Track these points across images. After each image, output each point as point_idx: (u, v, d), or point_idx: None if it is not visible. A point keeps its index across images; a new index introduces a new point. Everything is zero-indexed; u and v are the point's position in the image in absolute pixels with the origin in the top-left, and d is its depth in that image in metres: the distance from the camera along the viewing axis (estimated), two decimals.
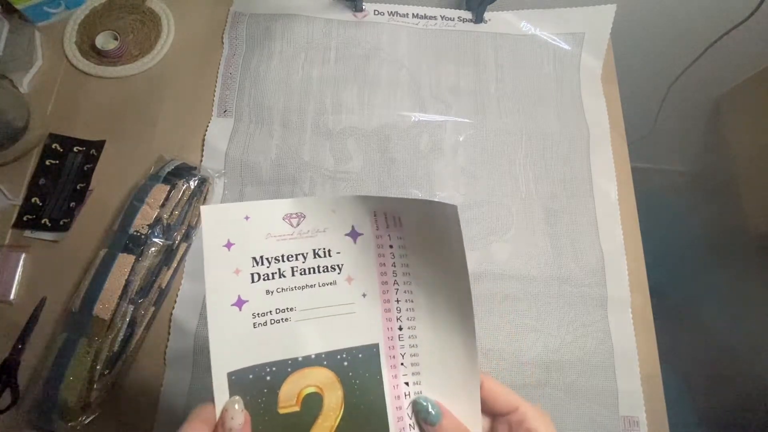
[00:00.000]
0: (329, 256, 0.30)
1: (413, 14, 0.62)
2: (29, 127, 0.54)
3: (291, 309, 0.29)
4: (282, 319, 0.28)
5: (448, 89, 0.59)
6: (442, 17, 0.62)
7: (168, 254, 0.49)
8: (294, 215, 0.29)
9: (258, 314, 0.28)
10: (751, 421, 0.81)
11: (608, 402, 0.48)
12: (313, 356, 0.28)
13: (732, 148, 0.89)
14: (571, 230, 0.54)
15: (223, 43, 0.61)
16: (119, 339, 0.45)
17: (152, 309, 0.48)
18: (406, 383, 0.29)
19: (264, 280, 0.28)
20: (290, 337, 0.28)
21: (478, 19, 0.62)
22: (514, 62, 0.61)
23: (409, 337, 0.30)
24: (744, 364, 0.86)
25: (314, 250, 0.29)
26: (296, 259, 0.29)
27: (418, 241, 0.31)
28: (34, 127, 0.54)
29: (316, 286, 0.29)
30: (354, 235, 0.30)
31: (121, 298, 0.45)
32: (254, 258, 0.28)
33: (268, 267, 0.28)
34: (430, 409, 0.29)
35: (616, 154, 0.58)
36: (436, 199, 0.54)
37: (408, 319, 0.30)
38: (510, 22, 0.62)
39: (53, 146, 0.54)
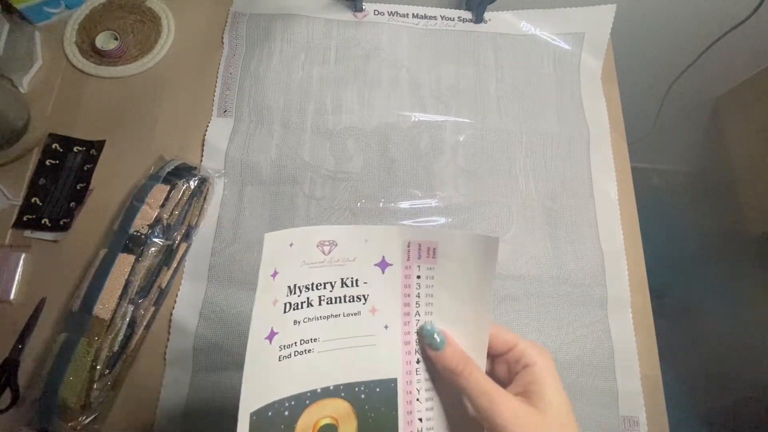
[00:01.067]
0: (356, 285, 0.29)
1: (413, 14, 0.62)
2: (29, 127, 0.54)
3: (315, 339, 0.28)
4: (305, 350, 0.28)
5: (448, 89, 0.59)
6: (442, 17, 0.62)
7: (168, 254, 0.49)
8: (327, 242, 0.29)
9: (284, 346, 0.27)
10: (751, 421, 0.82)
11: (608, 402, 0.48)
12: (331, 387, 0.28)
13: (732, 148, 0.89)
14: (571, 230, 0.54)
15: (223, 43, 0.61)
16: (119, 339, 0.45)
17: (152, 309, 0.48)
18: (420, 419, 0.29)
19: (294, 309, 0.28)
20: (311, 368, 0.28)
21: (478, 19, 0.62)
22: (514, 62, 0.61)
23: (426, 370, 0.30)
24: (744, 364, 0.86)
25: (342, 279, 0.29)
26: (324, 287, 0.29)
27: (448, 272, 0.30)
28: (34, 127, 0.54)
29: (341, 316, 0.29)
30: (383, 265, 0.30)
31: (121, 298, 0.45)
32: (289, 287, 0.28)
33: (299, 296, 0.28)
34: (435, 336, 0.29)
35: (616, 154, 0.58)
36: (434, 201, 0.54)
37: (425, 349, 0.30)
38: (510, 22, 0.62)
39: (53, 146, 0.54)
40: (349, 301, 0.29)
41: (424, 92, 0.59)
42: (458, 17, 0.62)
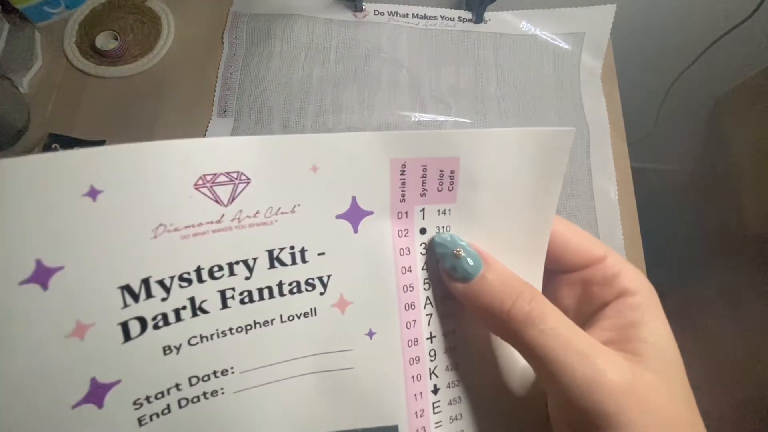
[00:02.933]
0: (303, 261, 0.16)
1: (413, 14, 0.62)
2: (29, 127, 0.54)
3: (224, 372, 0.15)
4: (204, 394, 0.15)
5: (448, 89, 0.59)
6: (442, 17, 0.62)
7: None
8: (223, 178, 0.14)
9: (147, 399, 0.14)
10: (752, 421, 0.81)
11: None
12: None
13: (732, 148, 0.89)
14: None
15: (223, 43, 0.61)
16: None
17: None
18: None
19: (156, 327, 0.14)
20: (222, 424, 0.15)
21: (478, 19, 0.62)
22: (514, 62, 0.61)
23: (450, 403, 0.17)
24: (744, 365, 0.86)
25: (271, 252, 0.15)
26: (231, 272, 0.15)
27: (480, 214, 0.17)
28: (34, 127, 0.54)
29: (275, 322, 0.16)
30: (355, 215, 0.16)
31: None
32: (127, 287, 0.14)
33: (164, 300, 0.14)
34: (461, 253, 0.16)
35: (616, 154, 0.58)
36: None
37: (448, 369, 0.18)
38: (510, 22, 0.62)
39: (53, 146, 0.54)
40: (292, 292, 0.16)
41: (424, 92, 0.59)
42: (458, 17, 0.62)
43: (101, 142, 0.55)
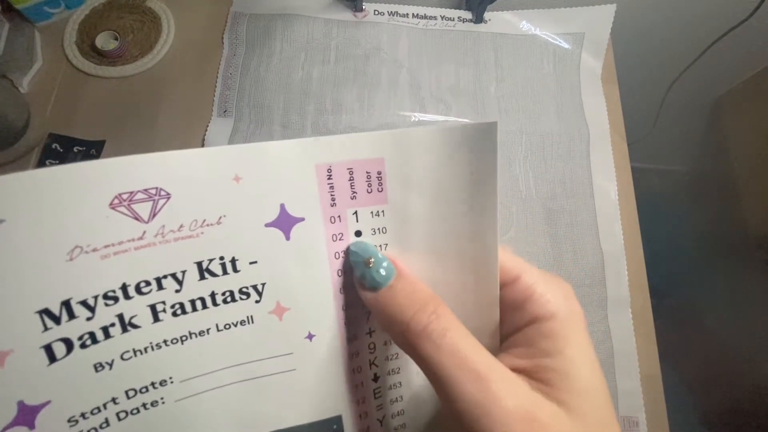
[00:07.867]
0: (235, 270, 0.16)
1: (413, 14, 0.62)
2: (29, 127, 0.54)
3: (162, 383, 0.15)
4: (143, 405, 0.15)
5: (448, 89, 0.59)
6: (442, 17, 0.62)
7: None
8: (141, 195, 0.14)
9: (82, 415, 0.15)
10: (752, 421, 0.81)
11: None
12: None
13: (732, 148, 0.89)
14: (570, 230, 0.54)
15: (223, 43, 0.61)
16: None
17: None
18: None
19: (83, 346, 0.14)
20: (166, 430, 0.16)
21: (478, 19, 0.62)
22: (514, 62, 0.61)
23: (391, 388, 0.18)
24: (744, 364, 0.86)
25: (200, 264, 0.15)
26: (160, 286, 0.15)
27: (412, 211, 0.17)
28: (34, 127, 0.54)
29: (212, 331, 0.16)
30: (286, 222, 0.16)
31: None
32: (46, 312, 0.14)
33: (89, 318, 0.14)
34: (371, 260, 0.16)
35: (616, 154, 0.58)
36: None
37: (388, 359, 0.18)
38: (510, 22, 0.62)
39: (53, 146, 0.54)
40: (226, 301, 0.16)
41: (425, 92, 0.59)
42: (458, 17, 0.62)
43: (101, 142, 0.55)
